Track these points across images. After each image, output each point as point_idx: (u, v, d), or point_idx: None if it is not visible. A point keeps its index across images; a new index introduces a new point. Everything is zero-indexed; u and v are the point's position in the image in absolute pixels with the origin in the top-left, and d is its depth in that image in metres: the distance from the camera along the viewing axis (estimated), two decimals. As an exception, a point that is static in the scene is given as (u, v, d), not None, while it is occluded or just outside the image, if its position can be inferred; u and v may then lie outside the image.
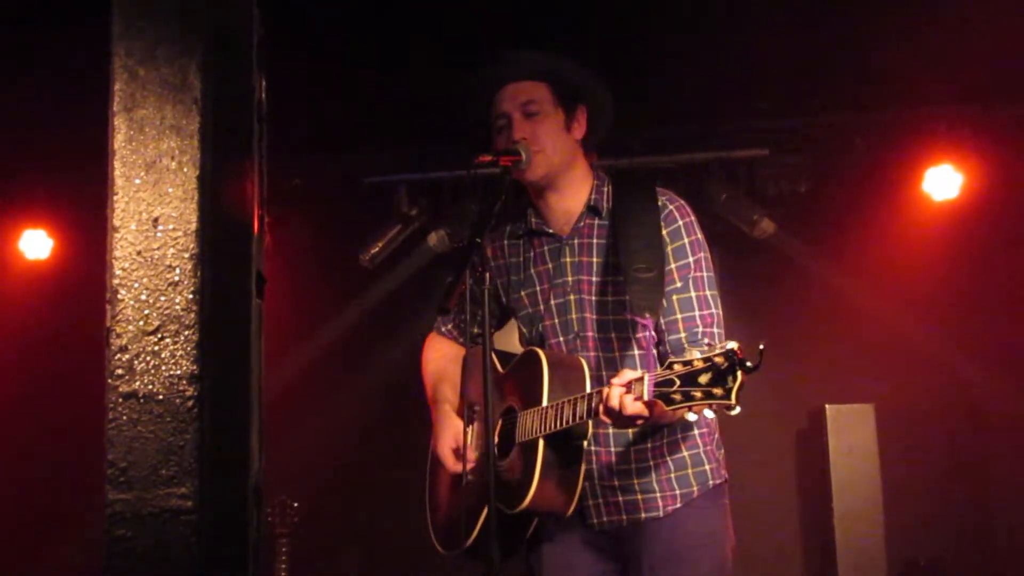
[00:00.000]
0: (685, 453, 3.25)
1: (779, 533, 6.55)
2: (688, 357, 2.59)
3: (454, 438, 3.38)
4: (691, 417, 2.60)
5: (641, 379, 2.71)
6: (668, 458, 3.24)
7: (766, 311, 6.52)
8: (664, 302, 3.10)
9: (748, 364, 2.51)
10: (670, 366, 2.62)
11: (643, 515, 3.23)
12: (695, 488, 3.25)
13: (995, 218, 6.28)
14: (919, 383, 6.44)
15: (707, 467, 3.27)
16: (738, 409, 2.54)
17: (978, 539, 6.46)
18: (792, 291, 6.60)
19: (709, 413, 2.58)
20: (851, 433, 6.20)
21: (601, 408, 2.83)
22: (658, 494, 3.23)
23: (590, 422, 3.05)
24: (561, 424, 2.99)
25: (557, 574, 3.33)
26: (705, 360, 2.55)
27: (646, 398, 2.68)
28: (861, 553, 6.06)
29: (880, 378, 6.44)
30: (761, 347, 2.50)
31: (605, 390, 2.83)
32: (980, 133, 6.16)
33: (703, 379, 2.54)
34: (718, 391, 2.52)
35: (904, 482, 6.26)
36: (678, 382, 2.58)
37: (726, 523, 3.31)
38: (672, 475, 3.24)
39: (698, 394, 2.55)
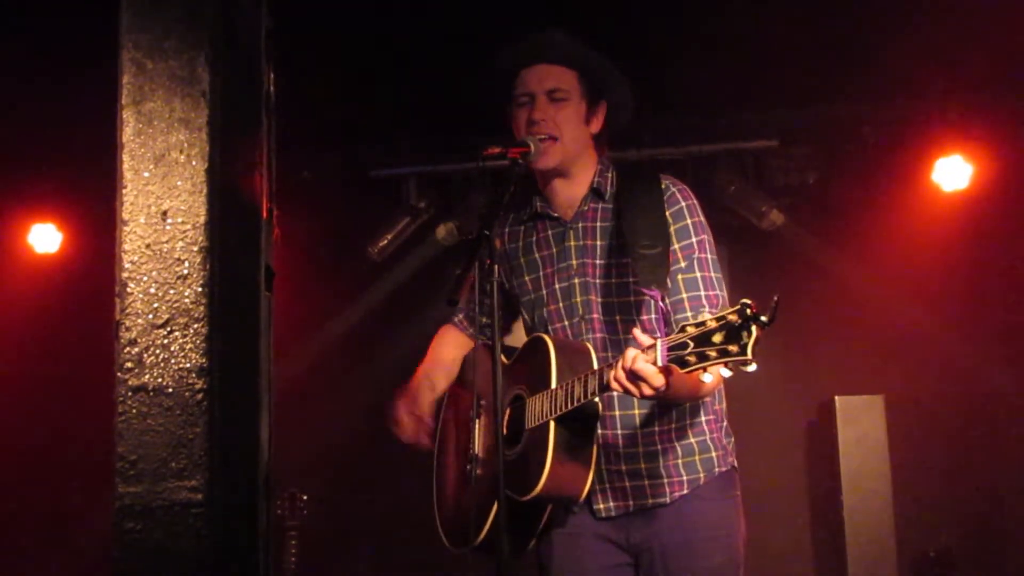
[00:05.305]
0: (692, 440, 3.25)
1: (789, 524, 6.55)
2: (701, 319, 2.54)
3: (409, 399, 3.63)
4: (706, 379, 2.54)
5: (654, 345, 2.67)
6: (676, 444, 3.24)
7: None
8: (669, 281, 3.09)
9: (763, 318, 2.42)
10: (683, 329, 2.56)
11: (650, 501, 3.22)
12: (702, 475, 3.24)
13: (1005, 209, 6.26)
14: (928, 374, 6.43)
15: (713, 454, 3.27)
16: (755, 366, 2.43)
17: (987, 529, 6.45)
18: (801, 283, 6.57)
19: (726, 372, 2.49)
20: (861, 424, 6.20)
21: (615, 374, 2.76)
22: (665, 480, 3.22)
23: (599, 404, 3.06)
24: (572, 403, 2.97)
25: (567, 567, 3.32)
26: (718, 320, 2.48)
27: (660, 363, 2.63)
28: (871, 544, 6.06)
29: (889, 369, 6.44)
30: (775, 299, 2.39)
31: (628, 353, 2.75)
32: (990, 123, 6.13)
33: (717, 338, 2.47)
34: (733, 348, 2.44)
35: (914, 473, 6.26)
36: (691, 344, 2.52)
37: (738, 515, 3.30)
38: (679, 461, 3.23)
39: (713, 353, 2.47)
